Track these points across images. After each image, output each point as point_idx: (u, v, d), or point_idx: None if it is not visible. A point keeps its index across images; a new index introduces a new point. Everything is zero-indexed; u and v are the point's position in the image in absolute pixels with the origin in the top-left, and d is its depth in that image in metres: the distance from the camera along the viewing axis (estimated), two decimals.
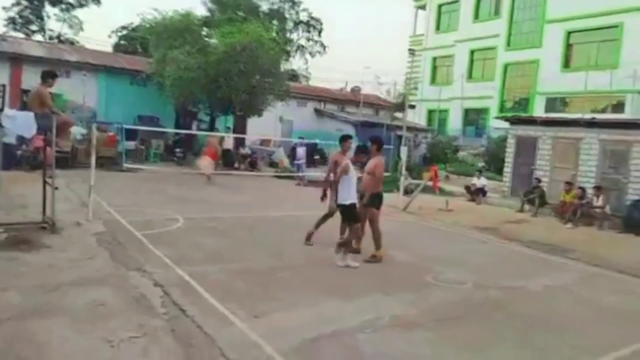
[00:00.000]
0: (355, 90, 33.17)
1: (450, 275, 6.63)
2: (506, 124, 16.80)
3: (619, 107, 21.93)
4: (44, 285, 4.98)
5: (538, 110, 24.60)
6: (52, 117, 7.17)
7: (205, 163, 15.14)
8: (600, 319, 5.56)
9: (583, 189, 12.60)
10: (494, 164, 20.37)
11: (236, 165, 19.54)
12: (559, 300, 6.09)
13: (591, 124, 13.66)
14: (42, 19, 36.86)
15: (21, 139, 12.34)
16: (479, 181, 15.55)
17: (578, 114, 18.99)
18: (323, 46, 37.74)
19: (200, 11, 21.83)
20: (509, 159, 15.59)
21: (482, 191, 15.30)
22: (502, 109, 26.96)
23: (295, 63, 36.40)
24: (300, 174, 17.11)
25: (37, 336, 3.90)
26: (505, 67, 27.31)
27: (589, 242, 9.96)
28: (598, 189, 12.24)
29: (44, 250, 6.23)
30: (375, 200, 7.18)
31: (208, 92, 18.32)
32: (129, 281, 5.34)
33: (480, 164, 20.93)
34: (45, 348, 3.74)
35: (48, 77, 7.31)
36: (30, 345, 3.75)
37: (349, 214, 6.79)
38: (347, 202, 6.73)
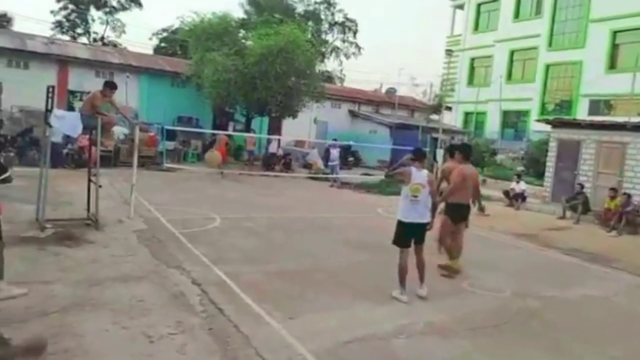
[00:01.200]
0: (390, 92, 32.95)
1: (487, 283, 6.50)
2: (547, 127, 16.29)
3: None
4: (88, 280, 5.18)
5: (581, 113, 23.73)
6: (98, 117, 7.46)
7: (212, 157, 16.37)
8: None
9: (629, 195, 12.08)
10: (533, 168, 19.80)
11: (272, 165, 19.78)
12: (599, 311, 5.88)
13: (638, 128, 13.08)
14: (87, 22, 38.37)
15: (67, 138, 12.94)
16: (518, 186, 15.14)
17: (624, 117, 18.23)
18: (358, 47, 37.64)
19: (238, 13, 22.29)
20: (550, 163, 15.11)
21: (521, 196, 14.89)
22: (543, 111, 26.15)
23: (330, 64, 36.48)
24: (334, 175, 17.12)
25: (80, 329, 4.05)
26: (547, 68, 26.49)
27: (634, 251, 9.54)
28: None
29: (88, 246, 6.48)
30: (449, 210, 6.94)
31: (245, 94, 18.61)
32: (168, 278, 5.49)
33: (520, 168, 20.38)
34: (87, 340, 3.89)
35: (107, 86, 7.74)
36: (73, 337, 3.90)
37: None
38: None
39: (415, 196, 5.50)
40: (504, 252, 8.89)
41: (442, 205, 6.90)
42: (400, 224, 5.57)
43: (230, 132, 20.74)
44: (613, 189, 12.49)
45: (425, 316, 5.08)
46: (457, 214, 6.85)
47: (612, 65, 23.33)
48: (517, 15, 28.96)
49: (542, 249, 9.31)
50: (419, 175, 5.57)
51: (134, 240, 7.00)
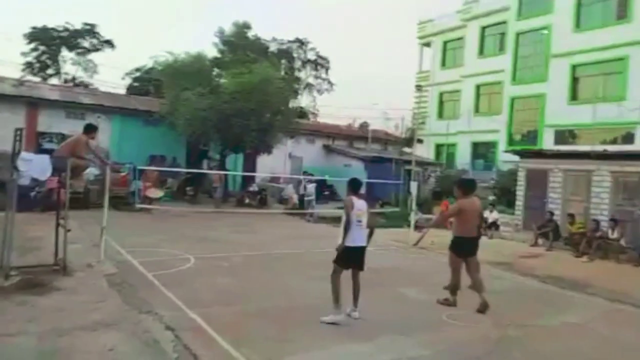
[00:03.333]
0: (364, 126, 33.51)
1: (465, 313, 6.48)
2: (516, 157, 16.76)
3: (628, 138, 21.83)
4: (55, 330, 4.95)
5: (547, 142, 24.55)
6: (67, 159, 7.31)
7: (152, 191, 17.00)
8: (621, 357, 5.37)
9: (597, 222, 12.43)
10: (504, 197, 20.20)
11: (247, 201, 19.64)
12: (579, 338, 5.92)
13: (602, 156, 13.59)
14: (58, 63, 38.14)
15: (35, 181, 12.59)
16: (492, 215, 15.40)
17: (588, 145, 18.90)
18: (331, 84, 38.49)
19: (211, 52, 22.42)
20: (520, 192, 15.48)
21: (494, 225, 15.13)
22: (510, 142, 26.95)
23: (304, 100, 37.05)
24: (310, 210, 17.08)
25: None
26: (512, 101, 27.47)
27: (606, 277, 9.73)
28: (614, 221, 12.07)
29: (56, 294, 6.22)
30: (452, 244, 6.99)
31: (220, 131, 18.62)
32: (140, 325, 5.29)
33: (491, 198, 20.79)
34: None
35: (91, 130, 7.97)
36: None
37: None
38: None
39: (359, 221, 5.93)
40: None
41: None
42: (347, 248, 5.86)
43: (204, 170, 20.61)
44: (570, 215, 13.00)
45: (408, 351, 5.01)
46: (460, 248, 6.88)
47: (574, 97, 24.36)
48: (481, 52, 30.19)
49: (518, 277, 9.40)
50: (360, 203, 6.04)
51: (104, 286, 6.77)
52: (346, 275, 6.00)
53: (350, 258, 5.91)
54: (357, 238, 5.90)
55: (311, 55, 37.32)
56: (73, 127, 17.41)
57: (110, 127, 20.44)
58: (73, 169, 7.42)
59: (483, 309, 6.50)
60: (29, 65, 36.96)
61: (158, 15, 74.83)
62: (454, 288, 6.90)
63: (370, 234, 6.10)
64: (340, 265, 5.91)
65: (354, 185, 6.22)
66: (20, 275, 6.68)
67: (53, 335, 4.82)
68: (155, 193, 17.01)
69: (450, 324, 6.06)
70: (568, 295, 8.13)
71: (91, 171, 16.12)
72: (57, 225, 7.68)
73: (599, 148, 16.41)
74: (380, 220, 17.20)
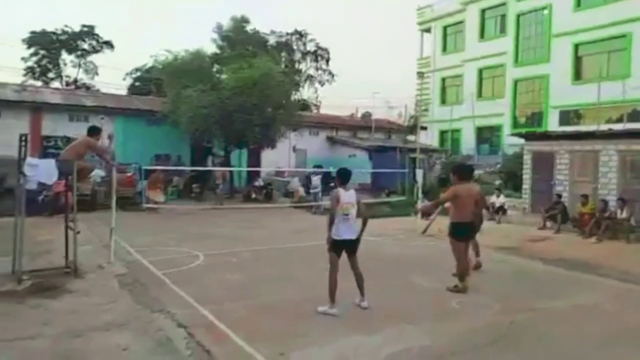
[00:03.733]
0: (366, 115, 33.40)
1: (475, 299, 6.50)
2: (521, 140, 16.65)
3: (634, 115, 21.61)
4: (69, 332, 5.01)
5: (552, 124, 24.38)
6: (74, 162, 7.35)
7: (153, 194, 16.74)
8: (633, 338, 5.36)
9: (605, 202, 12.35)
10: (511, 181, 20.11)
11: (253, 196, 19.70)
12: (590, 321, 5.90)
13: (608, 136, 13.47)
14: (59, 66, 38.22)
15: (42, 185, 12.68)
16: (499, 199, 15.34)
17: (593, 125, 18.76)
18: (332, 74, 38.28)
19: (211, 49, 22.37)
20: (527, 175, 15.39)
21: (502, 209, 15.08)
22: (515, 125, 26.78)
23: (305, 93, 36.92)
24: (316, 203, 17.10)
25: None
26: (515, 83, 27.25)
27: (616, 257, 9.69)
28: (622, 201, 11.99)
29: (68, 296, 6.29)
30: (449, 229, 7.12)
31: (222, 127, 18.63)
32: (152, 323, 5.34)
33: (497, 182, 20.69)
34: None
35: (95, 132, 8.09)
36: None
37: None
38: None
39: (346, 214, 5.90)
40: (489, 266, 8.87)
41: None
42: (334, 242, 5.92)
43: (209, 167, 20.65)
44: (584, 196, 12.82)
45: (418, 340, 5.03)
46: (458, 233, 7.02)
47: (578, 76, 24.12)
48: (482, 35, 29.91)
49: (527, 260, 9.38)
50: (348, 195, 5.99)
51: (115, 286, 6.83)
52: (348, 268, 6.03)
53: (338, 249, 5.96)
54: (343, 232, 5.90)
55: (311, 47, 37.10)
56: (77, 130, 17.50)
57: (113, 127, 20.47)
58: (79, 171, 7.47)
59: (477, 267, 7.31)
60: (29, 69, 37.10)
61: (156, 14, 74.72)
62: (462, 274, 6.94)
63: (364, 224, 6.06)
64: (334, 252, 5.96)
65: (342, 177, 6.13)
66: (32, 279, 6.77)
67: (67, 337, 4.88)
68: (158, 196, 16.96)
69: (460, 311, 6.08)
70: (578, 278, 8.10)
71: (97, 173, 16.22)
72: (66, 228, 7.75)
73: (605, 127, 16.27)
74: (385, 209, 17.24)
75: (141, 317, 5.53)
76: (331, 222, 5.90)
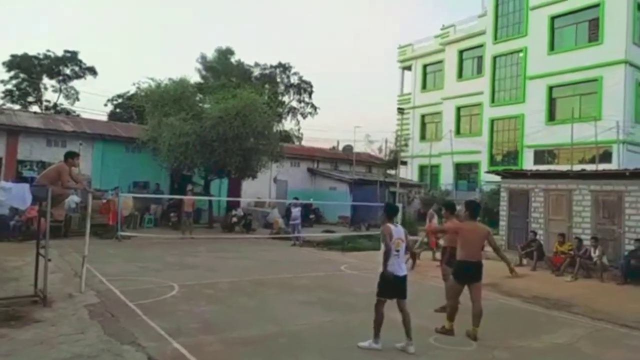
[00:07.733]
0: (347, 149, 33.78)
1: (452, 337, 6.46)
2: (497, 178, 17.00)
3: (606, 157, 22.38)
4: None
5: (527, 162, 25.04)
6: (48, 188, 7.20)
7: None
8: None
9: (580, 240, 12.60)
10: (487, 217, 20.41)
11: (234, 220, 19.56)
12: (566, 359, 5.91)
13: (581, 175, 13.85)
14: (39, 90, 37.88)
15: (15, 210, 12.36)
16: None
17: (567, 164, 19.32)
18: (314, 107, 38.88)
19: (195, 78, 22.56)
20: (504, 212, 15.64)
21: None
22: (491, 162, 27.43)
23: (288, 124, 37.30)
24: (296, 234, 17.01)
25: None
26: (492, 122, 28.08)
27: (590, 296, 9.82)
28: (595, 239, 12.25)
29: (35, 326, 6.04)
30: (454, 268, 6.83)
31: (203, 156, 18.57)
32: (122, 356, 5.15)
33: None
34: None
35: (71, 157, 7.74)
36: None
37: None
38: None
39: (397, 250, 5.76)
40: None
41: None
42: (385, 276, 5.69)
43: (185, 196, 20.42)
44: (561, 235, 13.08)
45: None
46: (461, 273, 6.63)
47: (552, 117, 25.00)
48: (460, 75, 30.95)
49: (504, 298, 9.43)
50: (398, 230, 5.84)
51: (85, 316, 6.59)
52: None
53: (392, 288, 5.71)
54: (396, 268, 5.70)
55: (294, 80, 37.75)
56: (54, 155, 17.26)
57: (92, 153, 20.25)
58: (53, 197, 7.29)
59: (473, 338, 6.36)
60: (8, 92, 36.64)
61: (140, 42, 75.21)
62: (451, 314, 6.66)
63: (414, 260, 6.02)
64: (383, 296, 5.74)
65: (389, 212, 5.90)
66: None
67: None
68: (127, 207, 16.96)
69: (437, 348, 6.03)
70: (554, 316, 8.17)
71: (72, 199, 15.90)
72: (37, 254, 7.51)
73: (578, 167, 16.74)
74: (366, 242, 17.22)
75: (111, 350, 5.33)
76: (386, 258, 5.65)
